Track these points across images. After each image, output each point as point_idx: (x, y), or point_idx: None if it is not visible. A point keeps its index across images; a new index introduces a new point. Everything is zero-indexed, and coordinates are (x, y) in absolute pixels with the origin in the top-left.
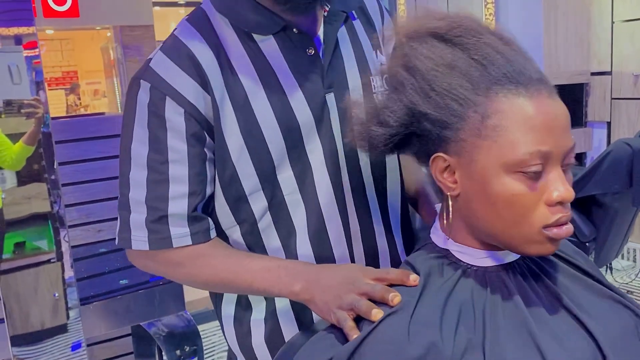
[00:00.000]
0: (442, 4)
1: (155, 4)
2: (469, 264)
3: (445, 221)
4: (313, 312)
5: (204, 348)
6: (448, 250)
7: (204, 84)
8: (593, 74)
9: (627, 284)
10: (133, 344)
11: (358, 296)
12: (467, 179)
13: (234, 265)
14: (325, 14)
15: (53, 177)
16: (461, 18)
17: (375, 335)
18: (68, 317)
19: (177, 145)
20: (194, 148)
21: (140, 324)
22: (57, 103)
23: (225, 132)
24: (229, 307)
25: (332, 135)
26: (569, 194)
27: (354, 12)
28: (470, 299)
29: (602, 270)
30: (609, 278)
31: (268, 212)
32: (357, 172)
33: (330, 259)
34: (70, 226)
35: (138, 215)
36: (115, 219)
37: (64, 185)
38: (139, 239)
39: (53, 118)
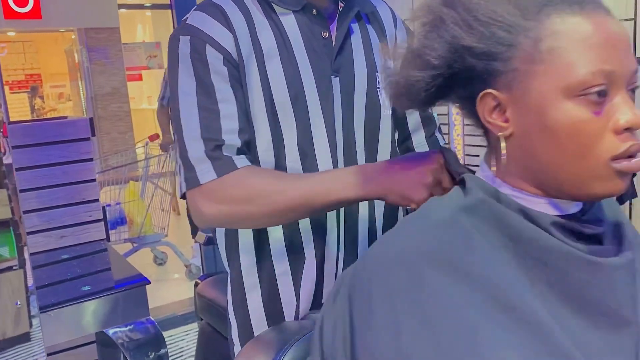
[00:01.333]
0: None
1: (121, 6)
2: (526, 206)
3: (495, 168)
4: (303, 274)
5: (172, 354)
6: (499, 191)
7: (232, 31)
8: None
9: None
10: (98, 351)
11: (431, 180)
12: (521, 114)
13: (304, 183)
14: (341, 9)
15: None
16: None
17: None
18: (31, 326)
19: (223, 87)
20: (237, 90)
21: (104, 330)
22: (20, 107)
23: (249, 86)
24: (248, 258)
25: (334, 116)
26: (638, 118)
27: (367, 15)
28: (530, 237)
29: None
30: None
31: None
32: (351, 158)
33: (323, 225)
34: (30, 233)
35: (196, 151)
36: (79, 224)
37: (22, 191)
38: (205, 171)
39: (11, 122)
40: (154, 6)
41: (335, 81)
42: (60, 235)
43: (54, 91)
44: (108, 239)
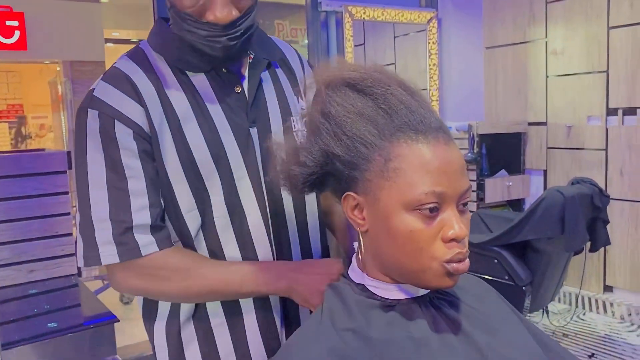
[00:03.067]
0: (390, 54)
1: (107, 40)
2: (382, 297)
3: (360, 257)
4: (245, 325)
5: None
6: (363, 284)
7: (143, 104)
8: (530, 124)
9: (563, 327)
10: None
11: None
12: (373, 216)
13: (222, 273)
14: (250, 60)
15: None
16: (372, 70)
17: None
18: None
19: (132, 163)
20: (147, 163)
21: None
22: (0, 137)
23: (164, 153)
24: (160, 324)
25: (257, 166)
26: (462, 232)
27: (277, 62)
28: (385, 329)
29: (539, 313)
30: (545, 321)
31: (201, 230)
32: (279, 203)
33: None
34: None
35: (103, 232)
36: (49, 258)
37: None
38: (108, 254)
39: None
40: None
41: (254, 132)
42: (29, 269)
43: (36, 122)
44: (80, 274)
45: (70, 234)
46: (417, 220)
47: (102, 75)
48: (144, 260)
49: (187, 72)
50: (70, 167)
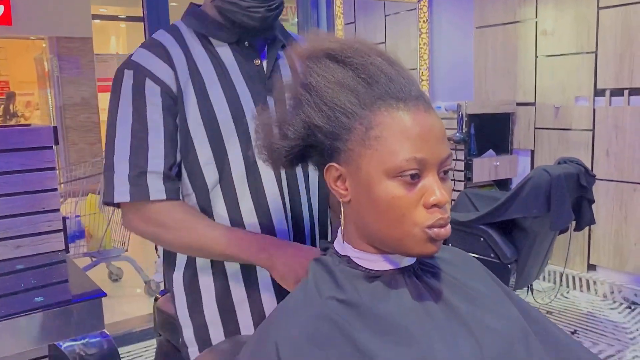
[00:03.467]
0: (380, 33)
1: (95, 16)
2: (367, 268)
3: (343, 229)
4: (257, 275)
5: None
6: (348, 256)
7: (173, 68)
8: (519, 104)
9: (547, 304)
10: None
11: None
12: (355, 186)
13: (213, 232)
14: (269, 42)
15: None
16: (352, 41)
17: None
18: None
19: (155, 116)
20: (169, 119)
21: (57, 344)
22: None
23: (187, 110)
24: (178, 274)
25: None
26: (444, 197)
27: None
28: (369, 299)
29: (523, 291)
30: (529, 299)
31: (219, 184)
32: (292, 170)
33: (271, 230)
34: None
35: (121, 173)
36: (36, 234)
37: None
38: (121, 192)
39: None
40: (129, 18)
41: (270, 100)
42: (16, 245)
43: (22, 99)
44: (67, 250)
45: (58, 210)
46: (399, 186)
47: (141, 44)
48: (150, 206)
49: (214, 44)
50: (57, 143)
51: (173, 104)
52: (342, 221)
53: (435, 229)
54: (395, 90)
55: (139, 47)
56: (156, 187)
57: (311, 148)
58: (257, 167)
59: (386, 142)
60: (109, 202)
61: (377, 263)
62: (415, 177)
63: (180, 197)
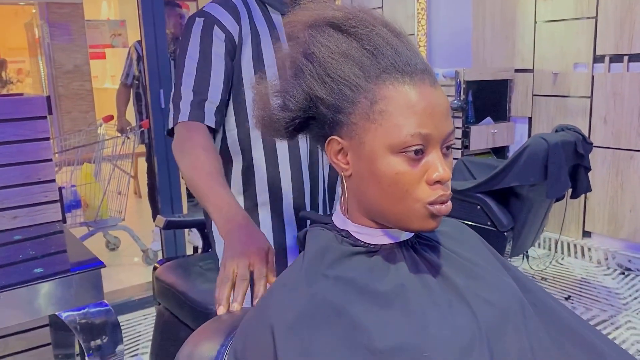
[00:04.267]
0: (377, 1)
1: None
2: (366, 242)
3: (343, 203)
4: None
5: (129, 338)
6: (347, 230)
7: (239, 23)
8: (517, 70)
9: (542, 271)
10: (51, 334)
11: (243, 268)
12: (357, 160)
13: (205, 177)
14: None
15: None
16: (357, 10)
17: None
18: None
19: (218, 57)
20: (228, 62)
21: (57, 314)
22: None
23: (242, 59)
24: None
25: None
26: (447, 174)
27: None
28: (366, 273)
29: (519, 258)
30: (525, 265)
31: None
32: None
33: (300, 180)
34: None
35: (186, 99)
36: (33, 204)
37: None
38: (184, 115)
39: None
40: None
41: None
42: (13, 215)
43: (13, 67)
44: (64, 220)
45: (53, 180)
46: (403, 162)
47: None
48: (190, 125)
49: (270, 10)
50: (50, 113)
51: (233, 51)
52: (342, 195)
53: (437, 206)
54: (402, 63)
55: (211, 1)
56: (210, 115)
57: (312, 120)
58: None
59: (391, 117)
60: (174, 122)
61: (377, 237)
62: (419, 153)
63: (221, 130)
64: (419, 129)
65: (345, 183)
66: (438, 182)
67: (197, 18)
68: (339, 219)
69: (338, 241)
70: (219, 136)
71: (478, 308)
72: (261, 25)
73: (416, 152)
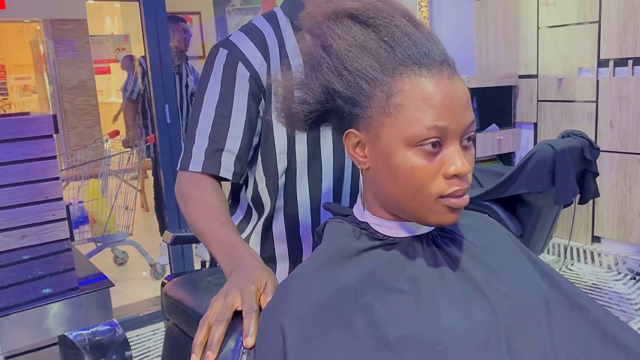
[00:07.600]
0: None
1: None
2: (385, 235)
3: (363, 195)
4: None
5: (139, 354)
6: (367, 222)
7: (267, 59)
8: (521, 76)
9: None
10: (60, 352)
11: (224, 308)
12: (374, 153)
13: (209, 225)
14: None
15: None
16: (375, 0)
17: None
18: None
19: (241, 99)
20: (252, 104)
21: (66, 334)
22: None
23: (273, 102)
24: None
25: None
26: (465, 167)
27: None
28: (383, 266)
29: None
30: None
31: (284, 174)
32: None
33: (317, 219)
34: None
35: (200, 145)
36: (40, 223)
37: None
38: (196, 163)
39: None
40: None
41: None
42: (21, 235)
43: (19, 83)
44: (72, 238)
45: (61, 199)
46: (419, 156)
47: (240, 27)
48: (200, 180)
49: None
50: (56, 132)
51: (258, 92)
52: (362, 188)
53: (452, 199)
54: (419, 55)
55: (238, 29)
56: (227, 165)
57: (331, 112)
58: (318, 155)
59: (407, 111)
60: (183, 168)
61: (395, 230)
62: (436, 146)
63: (241, 182)
64: (435, 122)
65: (363, 176)
66: (455, 175)
67: (220, 48)
68: (358, 212)
69: (356, 234)
70: (249, 189)
71: (497, 302)
72: (294, 57)
73: (433, 145)
